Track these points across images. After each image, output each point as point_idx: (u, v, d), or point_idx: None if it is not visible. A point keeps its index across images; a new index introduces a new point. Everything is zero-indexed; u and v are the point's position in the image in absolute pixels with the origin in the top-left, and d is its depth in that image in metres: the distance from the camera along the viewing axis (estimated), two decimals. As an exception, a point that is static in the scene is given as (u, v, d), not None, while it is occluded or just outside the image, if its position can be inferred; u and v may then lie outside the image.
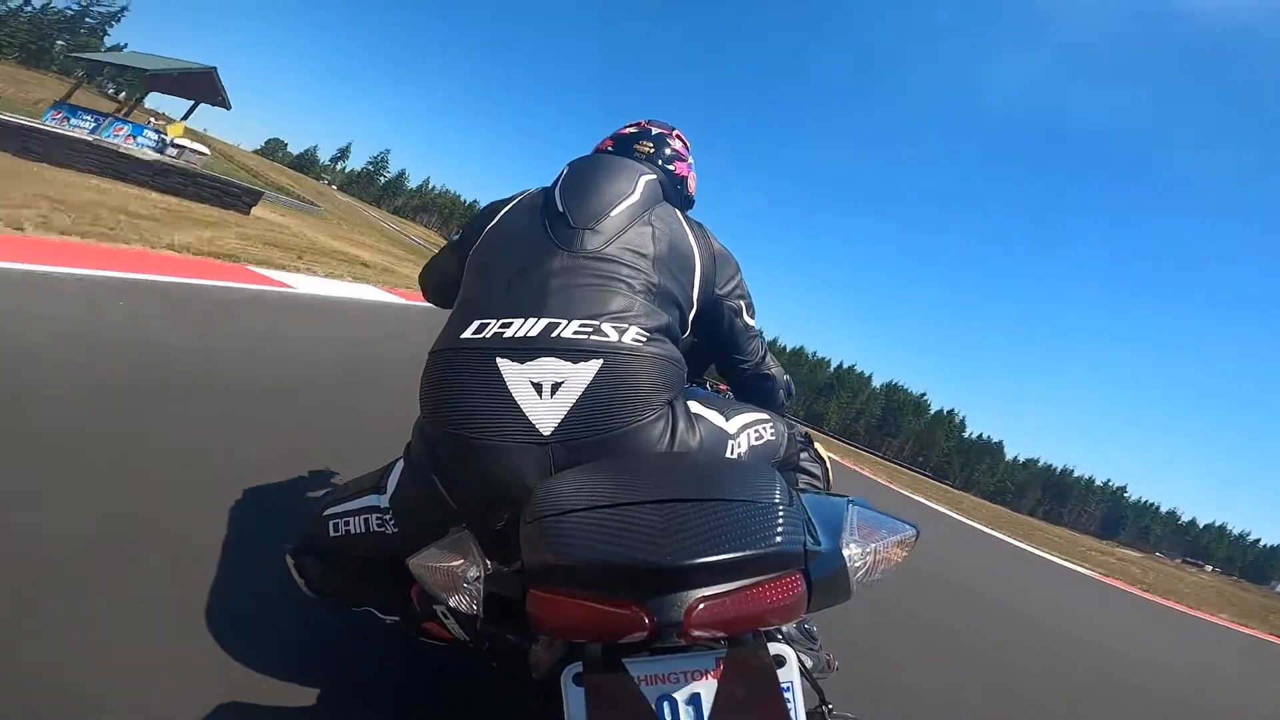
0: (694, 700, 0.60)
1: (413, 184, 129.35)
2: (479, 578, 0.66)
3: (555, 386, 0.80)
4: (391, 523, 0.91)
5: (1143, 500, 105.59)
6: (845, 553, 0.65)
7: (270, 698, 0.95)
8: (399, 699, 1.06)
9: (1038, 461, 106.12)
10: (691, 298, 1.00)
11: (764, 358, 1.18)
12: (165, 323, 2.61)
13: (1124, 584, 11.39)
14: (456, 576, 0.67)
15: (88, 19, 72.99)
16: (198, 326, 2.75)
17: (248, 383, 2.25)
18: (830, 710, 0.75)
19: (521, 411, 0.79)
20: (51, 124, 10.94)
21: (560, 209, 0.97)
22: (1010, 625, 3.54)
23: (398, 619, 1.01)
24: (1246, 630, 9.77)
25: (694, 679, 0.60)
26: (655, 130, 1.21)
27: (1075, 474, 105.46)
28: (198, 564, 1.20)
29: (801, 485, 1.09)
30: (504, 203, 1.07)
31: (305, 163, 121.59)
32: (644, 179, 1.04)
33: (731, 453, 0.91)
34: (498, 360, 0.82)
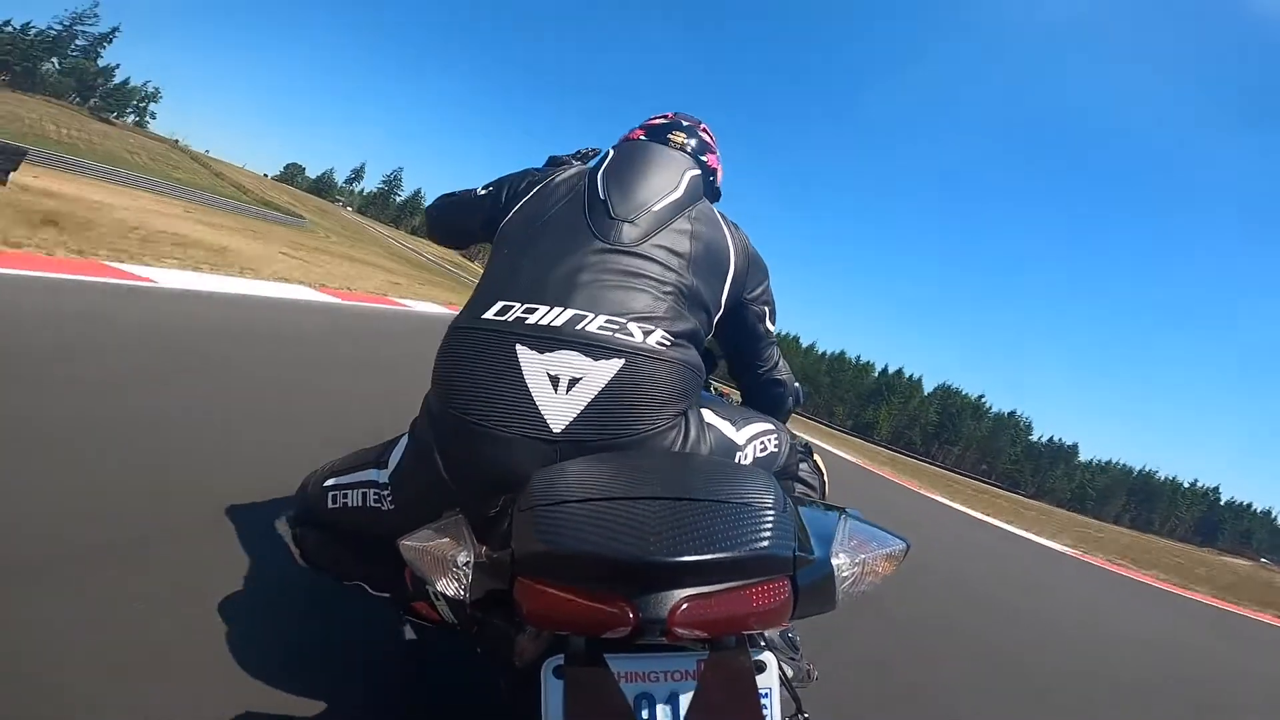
0: (672, 700, 0.62)
1: (429, 201, 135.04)
2: (469, 562, 0.68)
3: (573, 382, 0.81)
4: (389, 499, 0.95)
5: (1235, 501, 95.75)
6: (834, 562, 0.67)
7: (247, 667, 1.03)
8: (381, 676, 1.14)
9: (1118, 464, 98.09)
10: (720, 301, 1.02)
11: (777, 363, 1.21)
12: None
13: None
14: (446, 560, 0.69)
15: (77, 40, 74.37)
16: None
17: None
18: (806, 719, 0.75)
19: (534, 404, 0.80)
20: None
21: (602, 196, 0.99)
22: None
23: (388, 596, 1.06)
24: None
25: (673, 679, 0.63)
26: (685, 122, 1.22)
27: (1159, 476, 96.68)
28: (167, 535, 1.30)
29: (798, 494, 1.10)
30: (543, 175, 1.08)
31: (323, 186, 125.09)
32: (689, 174, 1.06)
33: (737, 463, 0.93)
34: (517, 347, 0.83)
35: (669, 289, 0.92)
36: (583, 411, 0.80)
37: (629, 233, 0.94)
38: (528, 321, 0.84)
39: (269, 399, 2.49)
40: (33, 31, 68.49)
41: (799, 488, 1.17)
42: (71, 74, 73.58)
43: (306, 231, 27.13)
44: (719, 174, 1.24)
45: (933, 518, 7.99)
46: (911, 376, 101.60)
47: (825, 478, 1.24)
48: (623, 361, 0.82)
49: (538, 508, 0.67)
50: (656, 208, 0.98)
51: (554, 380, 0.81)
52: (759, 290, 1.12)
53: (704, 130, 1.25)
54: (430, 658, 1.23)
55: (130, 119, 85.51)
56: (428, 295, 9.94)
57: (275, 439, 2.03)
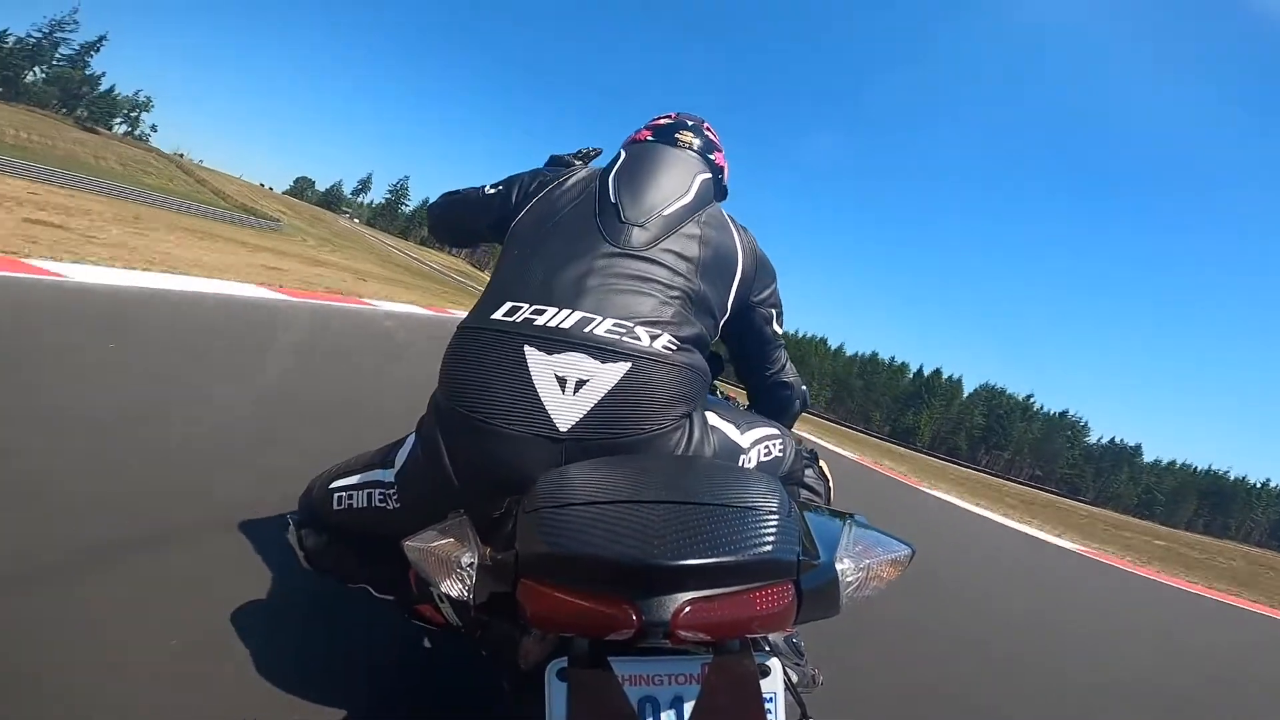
0: (676, 703, 0.64)
1: None
2: (473, 564, 0.71)
3: (580, 384, 0.85)
4: (395, 498, 0.99)
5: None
6: (838, 566, 0.68)
7: (250, 672, 1.07)
8: (385, 679, 1.18)
9: (1187, 465, 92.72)
10: (727, 305, 1.05)
11: (785, 366, 1.24)
12: None
13: None
14: (450, 561, 0.72)
15: (61, 49, 74.79)
16: None
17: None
18: None
19: (541, 404, 0.84)
20: None
21: (613, 199, 1.02)
22: None
23: (392, 599, 1.10)
24: None
25: (678, 682, 0.65)
26: (690, 121, 1.26)
27: (1229, 476, 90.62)
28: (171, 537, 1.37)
29: (802, 499, 1.13)
30: (553, 175, 1.12)
31: (332, 199, 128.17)
32: (699, 179, 1.10)
33: (741, 466, 0.96)
34: (525, 348, 0.87)
35: (677, 293, 0.96)
36: (589, 412, 0.84)
37: (639, 236, 0.98)
38: (536, 323, 0.88)
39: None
40: (11, 39, 69.08)
41: (804, 493, 1.20)
42: (56, 83, 74.84)
43: (282, 235, 28.14)
44: (726, 172, 1.28)
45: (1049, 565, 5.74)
46: (950, 377, 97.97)
47: (830, 483, 1.26)
48: (629, 365, 0.86)
49: (542, 510, 0.69)
50: (667, 212, 1.03)
51: (561, 381, 0.85)
52: (766, 293, 1.15)
53: (708, 129, 1.29)
54: (434, 660, 1.28)
55: (121, 129, 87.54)
56: (395, 296, 10.04)
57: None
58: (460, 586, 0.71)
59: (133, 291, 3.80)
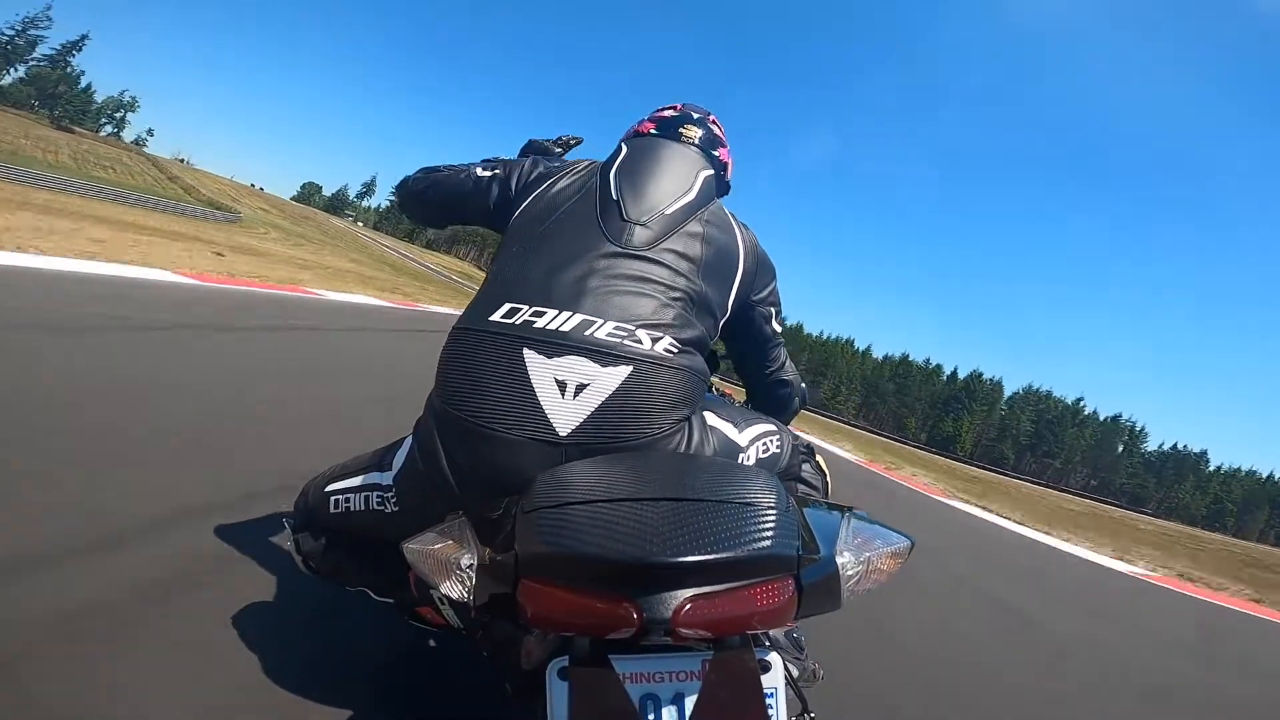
0: (677, 700, 0.68)
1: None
2: (472, 565, 0.74)
3: (580, 388, 0.87)
4: (393, 501, 1.02)
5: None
6: (838, 560, 0.71)
7: (248, 678, 1.11)
8: (386, 682, 1.24)
9: (1254, 472, 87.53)
10: (728, 305, 1.09)
11: (784, 363, 1.28)
12: None
13: None
14: (450, 563, 0.75)
15: (40, 47, 75.90)
16: None
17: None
18: (812, 719, 0.80)
19: (541, 408, 0.87)
20: None
21: (615, 195, 1.05)
22: None
23: (391, 602, 1.13)
24: None
25: (679, 679, 0.68)
26: (695, 114, 1.27)
27: None
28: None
29: (801, 494, 1.15)
30: (553, 168, 1.15)
31: (338, 203, 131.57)
32: (702, 175, 1.13)
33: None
34: (525, 351, 0.89)
35: (678, 295, 0.98)
36: (589, 416, 0.87)
37: (641, 236, 1.01)
38: (535, 325, 0.91)
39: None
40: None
41: (802, 488, 1.23)
42: (33, 82, 76.51)
43: (239, 228, 29.01)
44: (730, 168, 1.31)
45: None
46: (992, 379, 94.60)
47: (828, 478, 1.29)
48: (631, 368, 0.89)
49: (541, 510, 0.73)
50: (669, 210, 1.05)
51: (561, 385, 0.87)
52: (766, 291, 1.18)
53: (714, 122, 1.31)
54: (435, 662, 1.33)
55: (107, 129, 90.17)
56: (345, 287, 10.18)
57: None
58: (460, 588, 0.74)
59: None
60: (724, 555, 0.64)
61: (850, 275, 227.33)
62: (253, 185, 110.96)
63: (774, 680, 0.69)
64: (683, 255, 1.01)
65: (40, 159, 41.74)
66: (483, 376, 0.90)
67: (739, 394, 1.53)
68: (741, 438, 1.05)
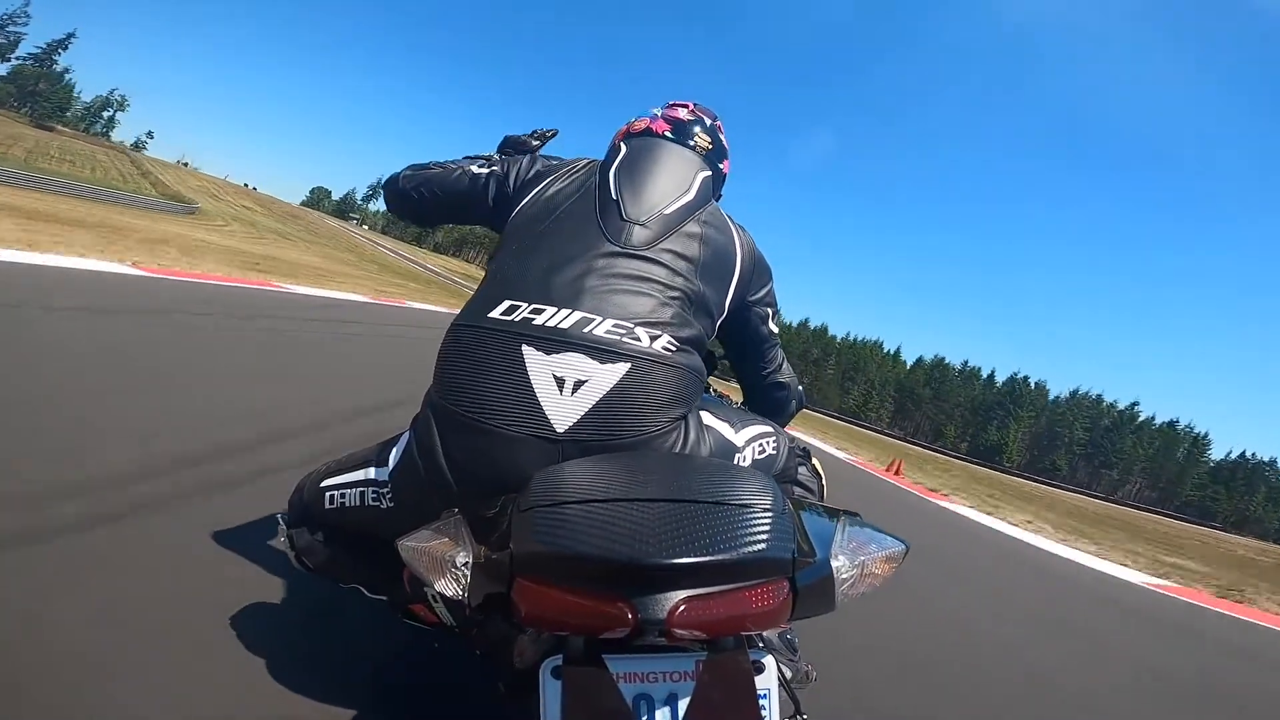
0: (670, 701, 0.71)
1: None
2: (467, 563, 0.77)
3: (578, 384, 0.92)
4: (388, 497, 1.07)
5: None
6: (833, 563, 0.74)
7: (241, 672, 1.15)
8: (379, 680, 1.28)
9: None
10: (725, 305, 1.13)
11: (781, 365, 1.32)
12: None
13: None
14: (444, 560, 0.78)
15: (23, 45, 77.28)
16: None
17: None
18: None
19: (539, 404, 0.91)
20: None
21: (614, 195, 1.10)
22: None
23: (385, 599, 1.17)
24: None
25: (672, 679, 0.71)
26: (709, 121, 1.32)
27: None
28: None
29: (796, 497, 1.19)
30: (551, 166, 1.20)
31: (347, 207, 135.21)
32: (700, 177, 1.18)
33: (736, 464, 1.04)
34: (523, 347, 0.94)
35: (676, 294, 1.03)
36: (587, 413, 0.91)
37: (640, 235, 1.06)
38: (534, 322, 0.96)
39: None
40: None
41: (797, 491, 1.26)
42: (13, 80, 78.39)
43: (194, 220, 29.92)
44: (727, 176, 1.38)
45: None
46: (1039, 383, 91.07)
47: (824, 481, 1.33)
48: (629, 366, 0.93)
49: (537, 509, 0.76)
50: (668, 211, 1.10)
51: (559, 382, 0.92)
52: (763, 292, 1.23)
53: (720, 129, 1.37)
54: (428, 660, 1.38)
55: (97, 128, 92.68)
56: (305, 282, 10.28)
57: None
58: (455, 586, 0.77)
59: None
60: (719, 557, 0.67)
61: (876, 274, 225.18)
62: (245, 185, 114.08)
63: (767, 681, 0.72)
64: (681, 255, 1.06)
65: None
66: (481, 373, 0.94)
67: (735, 395, 1.56)
68: (738, 438, 1.08)
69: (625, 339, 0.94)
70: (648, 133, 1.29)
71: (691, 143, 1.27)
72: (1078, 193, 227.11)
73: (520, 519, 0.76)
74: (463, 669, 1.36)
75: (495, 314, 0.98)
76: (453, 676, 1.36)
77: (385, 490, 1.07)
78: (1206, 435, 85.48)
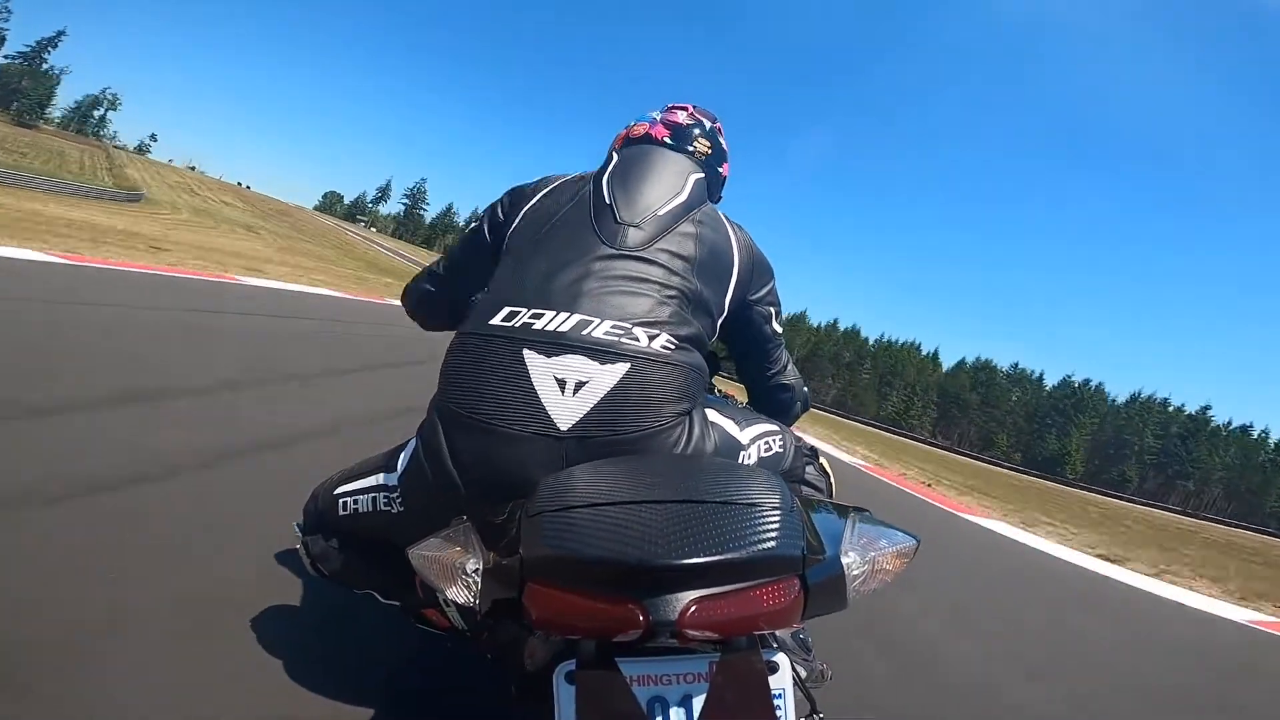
0: (685, 702, 0.73)
1: (461, 218, 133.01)
2: (478, 570, 0.80)
3: (579, 385, 0.97)
4: (398, 501, 1.13)
5: None
6: (844, 560, 0.76)
7: (257, 677, 1.21)
8: (393, 684, 1.34)
9: None
10: (724, 304, 1.18)
11: (786, 366, 1.36)
12: None
13: None
14: (455, 568, 0.82)
15: (6, 44, 78.36)
16: None
17: None
18: (821, 719, 0.85)
19: (541, 405, 0.97)
20: None
21: (607, 200, 1.16)
22: None
23: (398, 604, 1.23)
24: None
25: (686, 681, 0.74)
26: (708, 125, 1.39)
27: None
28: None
29: (804, 495, 1.22)
30: (537, 184, 1.26)
31: (357, 210, 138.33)
32: (694, 178, 1.24)
33: (741, 462, 1.07)
34: (525, 351, 1.00)
35: (673, 293, 1.08)
36: (589, 412, 0.97)
37: (635, 237, 1.11)
38: (534, 327, 1.02)
39: None
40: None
41: (805, 490, 1.29)
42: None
43: (137, 210, 29.88)
44: (725, 180, 1.43)
45: None
46: (1099, 385, 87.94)
47: (832, 479, 1.35)
48: (629, 365, 0.99)
49: (545, 513, 0.80)
50: (662, 211, 1.16)
51: (561, 383, 0.97)
52: (764, 291, 1.27)
53: (720, 132, 1.43)
54: (441, 665, 1.45)
55: (89, 127, 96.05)
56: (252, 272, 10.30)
57: None
58: (466, 593, 0.81)
59: None
60: (729, 556, 0.70)
61: (904, 273, 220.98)
62: (239, 184, 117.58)
63: (781, 681, 0.74)
64: (676, 254, 1.11)
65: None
66: (485, 377, 1.01)
67: (740, 394, 1.59)
68: (743, 435, 1.12)
69: (624, 339, 0.99)
70: (647, 138, 1.35)
71: (690, 148, 1.33)
72: (1107, 190, 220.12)
73: (529, 524, 0.79)
74: (475, 673, 1.43)
75: (496, 320, 1.04)
76: (465, 680, 1.42)
77: (395, 495, 1.13)
78: (1264, 430, 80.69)
